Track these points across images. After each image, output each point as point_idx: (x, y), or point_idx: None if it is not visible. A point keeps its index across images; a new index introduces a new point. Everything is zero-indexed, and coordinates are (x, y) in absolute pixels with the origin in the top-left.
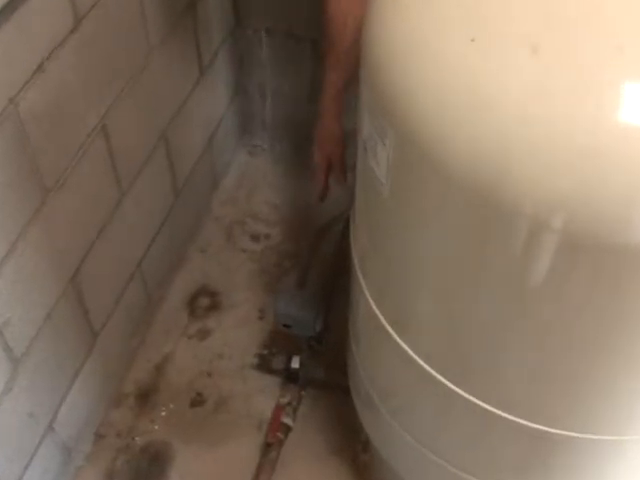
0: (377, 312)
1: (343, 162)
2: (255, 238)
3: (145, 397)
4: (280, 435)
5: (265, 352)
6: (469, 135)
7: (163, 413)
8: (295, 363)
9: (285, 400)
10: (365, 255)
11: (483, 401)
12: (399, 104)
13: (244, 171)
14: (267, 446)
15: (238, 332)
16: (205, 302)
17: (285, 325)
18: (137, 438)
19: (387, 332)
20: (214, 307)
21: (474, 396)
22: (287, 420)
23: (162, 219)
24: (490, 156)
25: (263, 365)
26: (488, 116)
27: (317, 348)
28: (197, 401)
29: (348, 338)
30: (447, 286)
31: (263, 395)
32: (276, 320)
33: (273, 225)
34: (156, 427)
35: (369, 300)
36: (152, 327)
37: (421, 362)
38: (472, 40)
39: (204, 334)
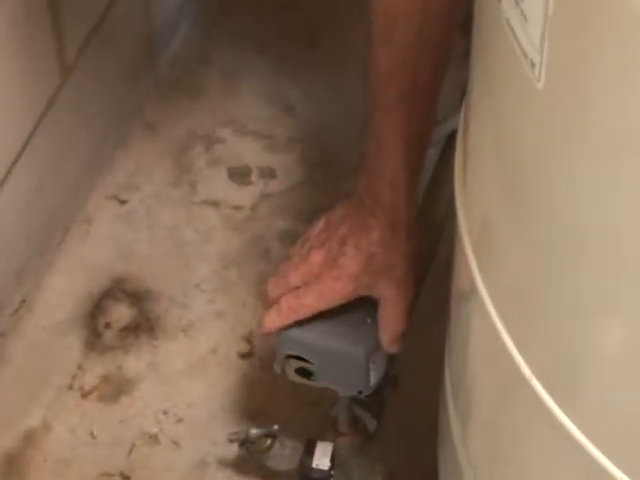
0: (516, 355)
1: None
2: (241, 176)
3: None
4: None
5: (254, 432)
6: None
7: None
8: (322, 459)
9: None
10: (491, 228)
11: None
12: None
13: (218, 22)
14: None
15: (195, 385)
16: (123, 315)
17: (301, 372)
18: None
19: (538, 400)
20: (142, 327)
21: None
22: None
23: (32, 125)
24: None
25: (249, 460)
26: None
27: (370, 425)
28: None
29: (443, 406)
30: None
31: None
32: (282, 358)
33: (283, 148)
34: None
35: (498, 329)
36: (1, 371)
37: (608, 464)
38: None
39: (118, 388)
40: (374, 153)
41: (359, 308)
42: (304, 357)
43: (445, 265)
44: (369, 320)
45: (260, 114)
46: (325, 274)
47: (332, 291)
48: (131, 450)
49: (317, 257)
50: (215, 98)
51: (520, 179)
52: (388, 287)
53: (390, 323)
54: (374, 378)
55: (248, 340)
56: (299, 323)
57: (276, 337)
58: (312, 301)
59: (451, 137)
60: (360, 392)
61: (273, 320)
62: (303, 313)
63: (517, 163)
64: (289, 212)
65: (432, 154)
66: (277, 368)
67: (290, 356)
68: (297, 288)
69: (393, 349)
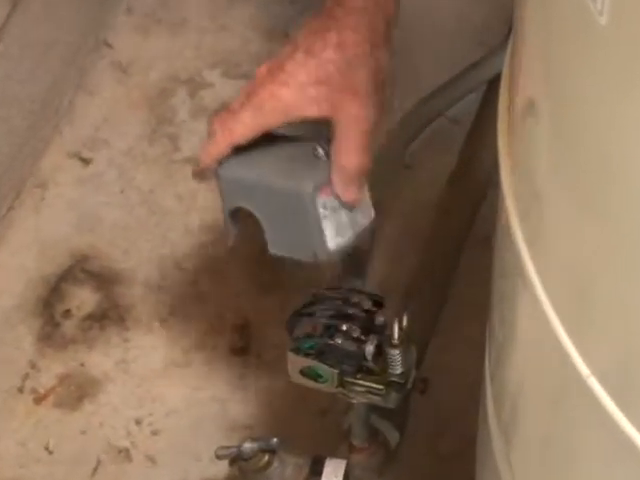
0: (572, 352)
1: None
2: None
3: None
4: None
5: (248, 446)
6: None
7: None
8: None
9: None
10: (543, 192)
11: None
12: None
13: None
14: None
15: (175, 388)
16: (86, 302)
17: (307, 373)
18: None
19: (598, 405)
20: (110, 316)
21: None
22: None
23: None
24: None
25: None
26: None
27: (392, 439)
28: None
29: (482, 417)
30: None
31: None
32: (228, 213)
33: None
34: None
35: (550, 320)
36: None
37: None
38: None
39: (80, 391)
40: None
41: (312, 142)
42: (247, 207)
43: (483, 241)
44: (322, 152)
45: (255, 50)
46: (267, 82)
47: (273, 99)
48: (96, 468)
49: (262, 69)
50: (201, 31)
51: (578, 131)
52: (345, 101)
53: (345, 149)
54: (333, 237)
55: (241, 332)
56: (239, 160)
57: (216, 183)
58: (249, 116)
59: (494, 82)
60: (315, 256)
61: (208, 150)
62: (240, 133)
63: (574, 112)
64: None
65: (471, 101)
66: (230, 239)
67: (237, 211)
68: None
69: (347, 195)
